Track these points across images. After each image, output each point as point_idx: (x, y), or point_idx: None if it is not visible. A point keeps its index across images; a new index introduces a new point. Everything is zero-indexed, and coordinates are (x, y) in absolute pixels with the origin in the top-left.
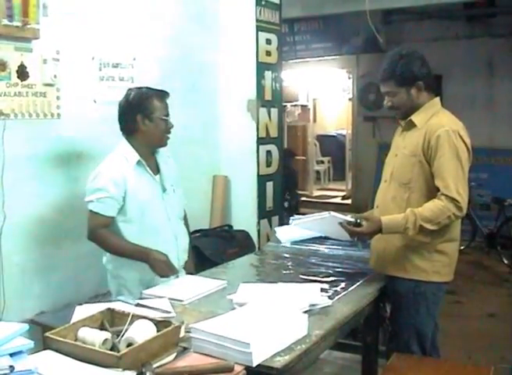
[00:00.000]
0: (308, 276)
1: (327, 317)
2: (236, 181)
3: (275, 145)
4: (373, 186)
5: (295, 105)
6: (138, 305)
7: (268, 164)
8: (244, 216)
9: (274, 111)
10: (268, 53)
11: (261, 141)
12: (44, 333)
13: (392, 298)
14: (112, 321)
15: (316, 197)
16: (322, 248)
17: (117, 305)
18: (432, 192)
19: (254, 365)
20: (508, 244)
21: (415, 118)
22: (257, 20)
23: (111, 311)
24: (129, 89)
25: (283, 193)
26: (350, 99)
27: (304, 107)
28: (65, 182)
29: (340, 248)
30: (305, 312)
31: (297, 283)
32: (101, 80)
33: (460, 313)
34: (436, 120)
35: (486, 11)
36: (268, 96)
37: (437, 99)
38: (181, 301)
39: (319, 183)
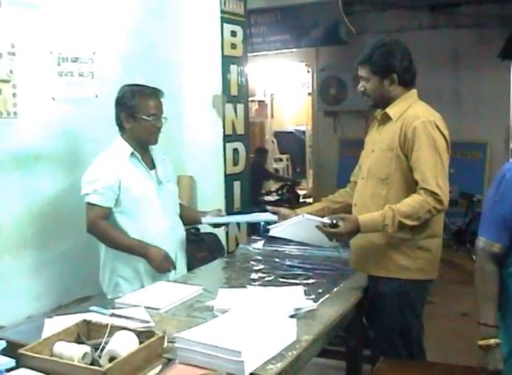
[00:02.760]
0: (287, 279)
1: (314, 321)
2: (202, 181)
3: (242, 143)
4: (336, 183)
5: (252, 101)
6: (113, 315)
7: (235, 162)
8: None
9: (240, 107)
10: (234, 46)
11: (227, 139)
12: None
13: (374, 298)
14: (89, 334)
15: None
16: (296, 250)
17: (90, 316)
18: (411, 187)
19: (247, 374)
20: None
21: (390, 110)
22: (222, 11)
23: (86, 323)
24: (122, 86)
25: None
26: (309, 94)
27: (261, 103)
28: (23, 186)
29: (315, 249)
30: (291, 316)
31: (278, 287)
32: (60, 76)
33: (432, 314)
34: (412, 112)
35: (450, 0)
36: (234, 91)
37: (413, 91)
38: (157, 309)
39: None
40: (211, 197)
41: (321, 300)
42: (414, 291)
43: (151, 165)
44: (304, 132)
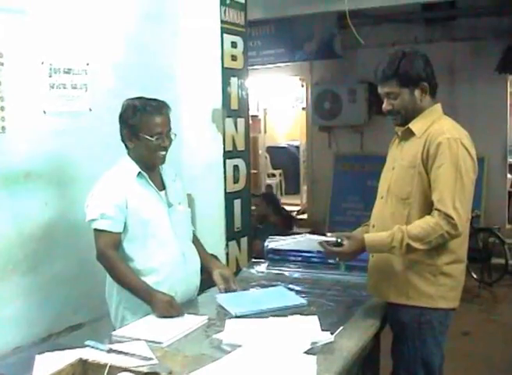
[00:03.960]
0: (298, 306)
1: (333, 356)
2: (201, 199)
3: (243, 159)
4: (330, 199)
5: None
6: (111, 350)
7: (236, 180)
8: (211, 238)
9: (240, 121)
10: (234, 58)
11: (227, 155)
12: None
13: (394, 328)
14: (85, 374)
15: None
16: (302, 273)
17: (86, 353)
18: (433, 207)
19: None
20: (477, 258)
21: (413, 126)
22: (222, 21)
23: (82, 362)
24: (126, 100)
25: None
26: (303, 108)
27: (254, 117)
28: (11, 206)
29: (323, 272)
30: (307, 351)
31: (290, 317)
32: (52, 88)
33: None
34: (437, 127)
35: (446, 14)
36: (234, 105)
37: (438, 105)
38: (160, 343)
39: None
40: (210, 216)
41: (337, 331)
42: (436, 320)
43: (161, 186)
44: (297, 147)
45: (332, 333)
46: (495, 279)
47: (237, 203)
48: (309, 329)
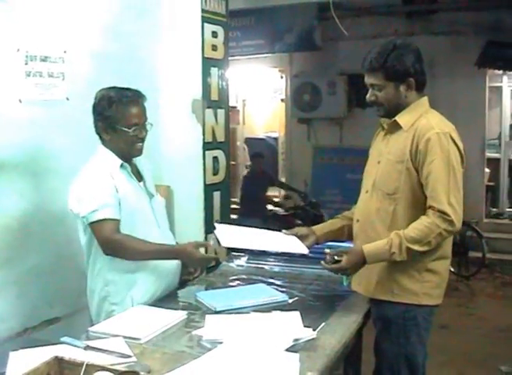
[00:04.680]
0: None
1: (316, 353)
2: (180, 191)
3: (222, 151)
4: (309, 191)
5: None
6: (88, 347)
7: (215, 172)
8: (190, 231)
9: (220, 112)
10: (215, 47)
11: (207, 146)
12: None
13: (378, 324)
14: (61, 373)
15: None
16: (282, 268)
17: (62, 350)
18: (421, 203)
19: None
20: (454, 251)
21: (400, 119)
22: (203, 10)
23: (58, 360)
24: (99, 90)
25: None
26: (282, 100)
27: (232, 108)
28: None
29: (304, 266)
30: (289, 348)
31: (272, 313)
32: (28, 76)
33: None
34: (425, 122)
35: (426, 7)
36: (214, 96)
37: (425, 98)
38: (138, 339)
39: None
40: (189, 208)
41: (319, 327)
42: (421, 316)
43: (139, 176)
44: (275, 138)
45: (314, 330)
46: (472, 272)
47: (216, 195)
48: (291, 325)
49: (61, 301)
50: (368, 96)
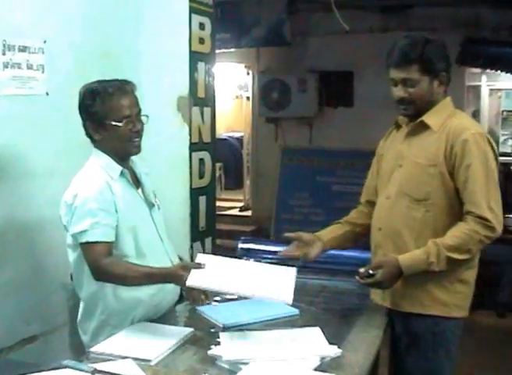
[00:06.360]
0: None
1: (344, 372)
2: (165, 196)
3: (208, 152)
4: (277, 195)
5: None
6: (95, 371)
7: (201, 175)
8: (175, 239)
9: (207, 111)
10: (202, 40)
11: (193, 148)
12: None
13: (403, 339)
14: None
15: None
16: None
17: None
18: (455, 210)
19: None
20: None
21: (428, 119)
22: (191, 0)
23: None
24: (82, 86)
25: None
26: (248, 98)
27: None
28: None
29: (305, 277)
30: (317, 367)
31: (292, 329)
32: (6, 68)
33: None
34: (457, 122)
35: (402, 2)
36: (201, 93)
37: (449, 99)
38: (148, 361)
39: None
40: (174, 214)
41: (342, 344)
42: (449, 329)
43: (136, 182)
44: (238, 139)
45: (338, 347)
46: None
47: (202, 200)
48: (315, 342)
49: (39, 317)
50: (397, 93)
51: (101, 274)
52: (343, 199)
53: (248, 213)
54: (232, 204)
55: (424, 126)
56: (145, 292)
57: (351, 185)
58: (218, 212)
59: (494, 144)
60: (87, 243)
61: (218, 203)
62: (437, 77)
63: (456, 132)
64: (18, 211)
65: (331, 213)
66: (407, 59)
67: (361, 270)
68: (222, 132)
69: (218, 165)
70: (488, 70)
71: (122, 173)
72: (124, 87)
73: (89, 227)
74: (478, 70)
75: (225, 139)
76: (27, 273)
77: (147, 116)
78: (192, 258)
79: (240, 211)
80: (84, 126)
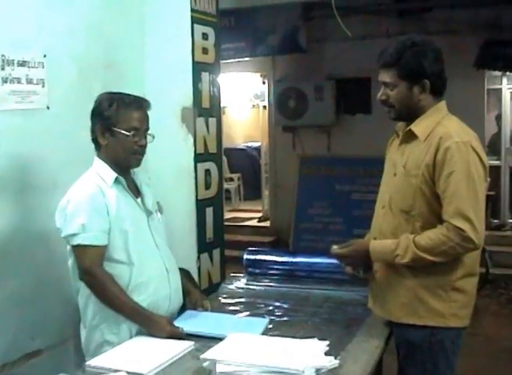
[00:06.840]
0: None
1: None
2: (171, 208)
3: (215, 163)
4: (295, 205)
5: None
6: None
7: (208, 186)
8: (181, 251)
9: (212, 121)
10: (205, 50)
11: (198, 158)
12: None
13: (401, 349)
14: None
15: (228, 220)
16: (286, 288)
17: None
18: (439, 220)
19: None
20: None
21: (416, 128)
22: (192, 10)
23: None
24: (100, 94)
25: None
26: (264, 107)
27: None
28: None
29: (311, 287)
30: None
31: (290, 339)
32: (5, 83)
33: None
34: (443, 130)
35: (420, 5)
36: (205, 103)
37: (442, 103)
38: (142, 374)
39: (230, 203)
40: (180, 226)
41: (340, 354)
42: (448, 339)
43: (136, 192)
44: (256, 149)
45: (335, 358)
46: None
47: (209, 211)
48: (311, 353)
49: (43, 331)
50: (378, 95)
51: (89, 281)
52: (363, 208)
53: (267, 224)
54: (251, 214)
55: (413, 135)
56: (134, 299)
57: (371, 193)
58: (236, 224)
59: (481, 153)
60: (79, 246)
61: (236, 214)
62: (417, 83)
63: (441, 141)
64: (21, 224)
65: (350, 222)
66: (386, 63)
67: (335, 246)
68: (240, 142)
69: (236, 175)
70: (508, 73)
71: (116, 180)
72: (140, 102)
73: (80, 230)
74: (498, 73)
75: (244, 149)
76: (30, 287)
77: (153, 136)
78: (200, 269)
79: (258, 221)
80: (93, 130)
